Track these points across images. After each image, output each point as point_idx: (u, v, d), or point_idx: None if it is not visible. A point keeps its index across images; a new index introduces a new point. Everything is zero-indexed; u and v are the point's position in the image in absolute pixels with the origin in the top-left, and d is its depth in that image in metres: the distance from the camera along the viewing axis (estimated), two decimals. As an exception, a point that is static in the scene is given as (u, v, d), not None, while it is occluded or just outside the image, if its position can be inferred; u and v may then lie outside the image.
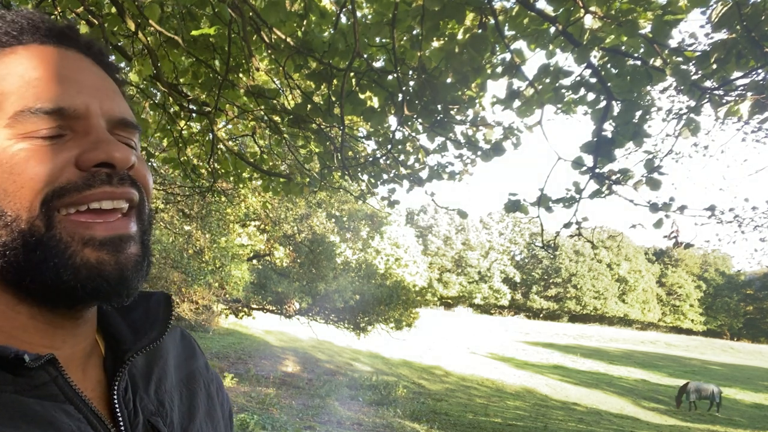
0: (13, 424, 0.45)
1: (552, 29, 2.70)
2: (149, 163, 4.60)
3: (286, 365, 16.70)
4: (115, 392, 0.56)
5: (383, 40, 2.92)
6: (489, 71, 2.98)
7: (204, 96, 3.58)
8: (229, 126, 4.93)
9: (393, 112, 3.13)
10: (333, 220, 15.58)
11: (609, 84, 2.69)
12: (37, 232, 0.48)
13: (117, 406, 0.55)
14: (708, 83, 2.75)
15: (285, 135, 3.89)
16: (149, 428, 0.57)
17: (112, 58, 0.61)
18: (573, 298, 64.39)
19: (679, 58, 2.55)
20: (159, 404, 0.61)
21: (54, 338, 0.53)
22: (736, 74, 2.59)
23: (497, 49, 2.91)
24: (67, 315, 0.53)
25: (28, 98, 0.49)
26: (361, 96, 3.09)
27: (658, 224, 2.82)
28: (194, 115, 3.61)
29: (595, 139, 2.76)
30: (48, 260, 0.48)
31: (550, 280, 66.29)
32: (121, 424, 0.54)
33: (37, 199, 0.48)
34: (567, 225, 3.15)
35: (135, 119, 0.58)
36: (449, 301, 64.81)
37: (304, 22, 2.90)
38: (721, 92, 2.68)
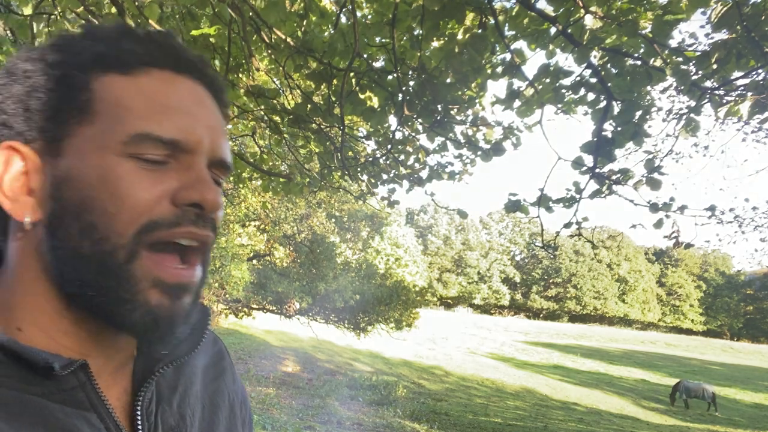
0: (33, 430, 0.46)
1: (552, 29, 2.70)
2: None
3: (286, 365, 16.70)
4: (139, 404, 0.56)
5: (383, 40, 2.92)
6: (489, 71, 2.97)
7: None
8: (229, 126, 4.93)
9: (393, 112, 3.13)
10: (333, 220, 15.58)
11: (609, 84, 2.69)
12: (117, 261, 0.49)
13: (139, 418, 0.55)
14: (708, 83, 2.75)
15: (285, 135, 3.89)
16: None
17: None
18: (573, 298, 64.38)
19: (679, 58, 2.55)
20: (180, 418, 0.60)
21: (91, 347, 0.53)
22: (736, 74, 2.59)
23: (497, 49, 2.91)
24: (109, 330, 0.54)
25: (150, 122, 0.50)
26: (361, 96, 3.09)
27: (659, 224, 2.82)
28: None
29: (595, 139, 2.76)
30: (114, 289, 0.49)
31: (550, 280, 66.28)
32: None
33: (132, 228, 0.49)
34: (567, 225, 3.15)
35: (231, 160, 0.59)
36: (449, 301, 64.79)
37: (304, 22, 2.90)
38: (721, 92, 2.68)
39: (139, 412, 0.55)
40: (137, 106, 0.51)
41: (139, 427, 0.55)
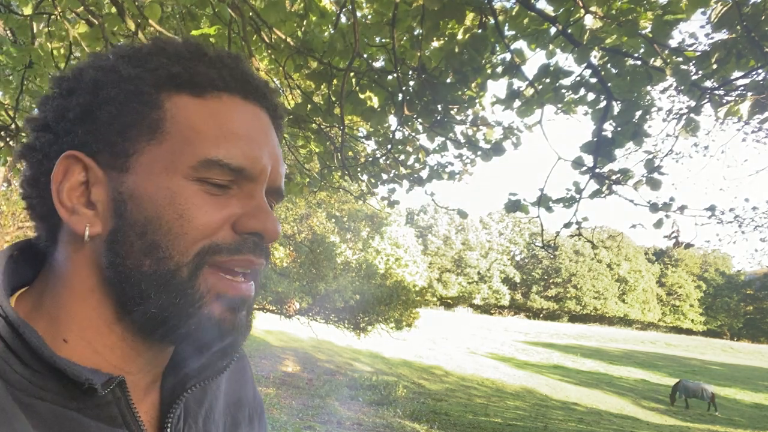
0: None
1: (552, 29, 2.70)
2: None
3: (286, 365, 16.70)
4: (170, 422, 0.56)
5: (383, 40, 2.92)
6: (489, 71, 2.97)
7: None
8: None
9: (393, 112, 3.13)
10: (333, 220, 15.58)
11: (609, 84, 2.69)
12: (180, 277, 0.50)
13: None
14: (708, 83, 2.75)
15: (285, 135, 3.89)
16: None
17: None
18: (573, 298, 64.38)
19: (679, 58, 2.55)
20: None
21: (132, 363, 0.54)
22: (736, 74, 2.59)
23: (497, 49, 2.91)
24: (154, 346, 0.54)
25: (219, 149, 0.51)
26: (361, 96, 3.09)
27: (658, 224, 2.82)
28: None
29: (595, 139, 2.76)
30: (179, 304, 0.50)
31: (550, 280, 66.29)
32: None
33: (195, 248, 0.50)
34: (567, 225, 3.15)
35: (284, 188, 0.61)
36: (449, 301, 64.78)
37: (304, 22, 2.90)
38: (721, 92, 2.68)
39: (168, 428, 0.56)
40: (208, 131, 0.51)
41: None
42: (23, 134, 3.13)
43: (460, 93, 2.99)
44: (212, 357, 0.61)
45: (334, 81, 2.93)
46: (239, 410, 0.68)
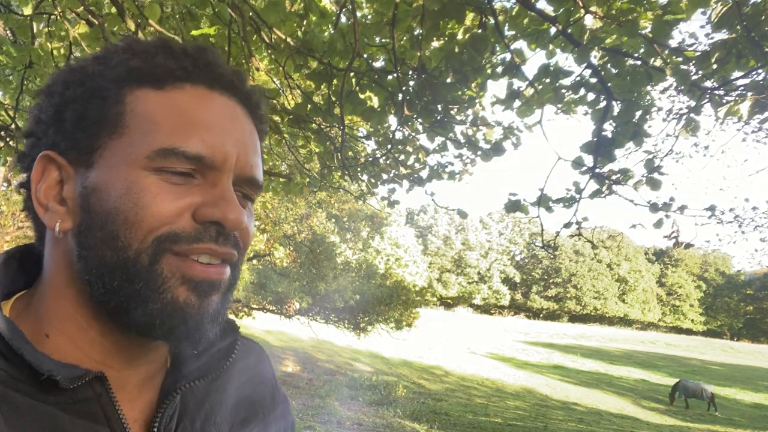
0: None
1: (552, 29, 2.70)
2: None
3: (286, 365, 16.70)
4: (157, 422, 0.55)
5: (383, 40, 2.92)
6: (489, 71, 2.97)
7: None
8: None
9: (393, 112, 3.13)
10: (333, 220, 15.57)
11: (609, 84, 2.69)
12: (140, 264, 0.50)
13: None
14: (708, 83, 2.75)
15: (285, 135, 3.89)
16: None
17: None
18: (573, 298, 64.38)
19: (679, 58, 2.55)
20: None
21: (115, 358, 0.53)
22: (736, 74, 2.59)
23: (497, 49, 2.90)
24: (135, 341, 0.53)
25: (176, 138, 0.51)
26: (361, 96, 3.09)
27: (659, 224, 2.82)
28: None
29: (595, 139, 2.76)
30: (141, 291, 0.50)
31: (550, 280, 66.29)
32: None
33: (151, 236, 0.50)
34: (567, 225, 3.15)
35: (262, 178, 0.59)
36: (449, 301, 64.78)
37: (304, 22, 2.90)
38: (721, 92, 2.68)
39: (156, 428, 0.54)
40: (166, 121, 0.51)
41: None
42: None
43: (460, 93, 2.99)
44: (211, 357, 0.60)
45: (334, 81, 2.93)
46: (250, 419, 0.66)
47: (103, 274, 0.50)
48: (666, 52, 2.55)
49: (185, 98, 0.53)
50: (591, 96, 2.89)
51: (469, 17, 2.68)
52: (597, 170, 2.84)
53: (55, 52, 2.89)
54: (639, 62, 2.65)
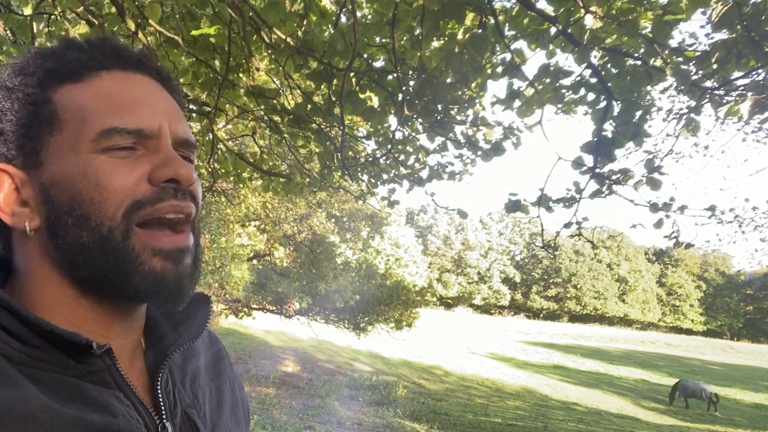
0: (74, 406, 0.51)
1: (552, 29, 2.70)
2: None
3: (286, 365, 16.70)
4: (159, 383, 0.61)
5: (383, 40, 2.92)
6: (489, 71, 2.97)
7: (204, 96, 3.57)
8: (229, 126, 4.93)
9: (393, 112, 3.13)
10: (333, 220, 15.57)
11: (609, 84, 2.69)
12: (114, 240, 0.55)
13: (160, 396, 0.61)
14: (708, 83, 2.75)
15: (285, 135, 3.89)
16: (185, 419, 0.63)
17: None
18: (573, 298, 64.35)
19: (679, 58, 2.55)
20: (194, 397, 0.66)
21: (110, 329, 0.59)
22: (736, 74, 2.59)
23: (497, 49, 2.91)
24: (123, 310, 0.60)
25: (112, 118, 0.56)
26: (361, 96, 3.09)
27: (659, 224, 2.82)
28: (194, 115, 3.61)
29: (595, 139, 2.76)
30: (120, 265, 0.55)
31: (550, 280, 66.27)
32: (164, 412, 0.60)
33: (120, 210, 0.55)
34: (567, 225, 3.15)
35: (193, 138, 0.65)
36: (449, 301, 64.77)
37: (304, 22, 2.90)
38: (721, 92, 2.68)
39: (159, 391, 0.61)
40: (97, 107, 0.56)
41: (161, 403, 0.60)
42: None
43: (460, 93, 2.99)
44: (186, 327, 0.68)
45: (334, 81, 2.93)
46: (220, 379, 0.75)
47: (84, 254, 0.54)
48: (666, 52, 2.55)
49: (106, 83, 0.58)
50: (591, 96, 2.89)
51: (469, 17, 2.68)
52: (597, 170, 2.84)
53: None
54: (639, 62, 2.65)
